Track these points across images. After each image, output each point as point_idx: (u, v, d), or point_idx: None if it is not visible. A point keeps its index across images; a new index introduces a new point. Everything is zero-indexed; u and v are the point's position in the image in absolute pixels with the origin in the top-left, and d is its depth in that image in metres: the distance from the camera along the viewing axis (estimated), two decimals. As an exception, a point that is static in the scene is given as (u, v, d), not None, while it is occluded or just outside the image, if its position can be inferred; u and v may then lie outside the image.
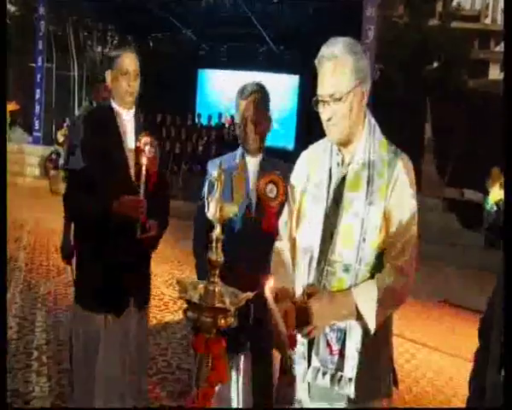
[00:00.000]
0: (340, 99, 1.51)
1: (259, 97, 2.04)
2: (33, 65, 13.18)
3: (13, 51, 12.22)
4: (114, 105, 2.32)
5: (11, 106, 12.35)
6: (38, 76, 13.01)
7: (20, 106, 13.39)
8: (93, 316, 2.24)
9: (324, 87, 1.53)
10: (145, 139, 2.31)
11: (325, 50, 1.53)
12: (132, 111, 2.35)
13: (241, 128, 2.06)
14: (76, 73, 14.15)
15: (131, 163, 2.28)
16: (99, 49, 14.97)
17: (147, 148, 2.28)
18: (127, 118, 2.32)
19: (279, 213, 1.81)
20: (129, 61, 2.29)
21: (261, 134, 2.07)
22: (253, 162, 2.11)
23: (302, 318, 1.45)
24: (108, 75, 2.31)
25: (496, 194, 8.77)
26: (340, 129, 1.54)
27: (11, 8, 14.66)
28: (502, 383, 1.07)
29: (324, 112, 1.54)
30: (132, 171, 2.27)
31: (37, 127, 13.18)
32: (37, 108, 13.08)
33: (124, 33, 14.65)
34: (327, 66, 1.52)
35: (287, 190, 1.76)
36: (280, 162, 2.12)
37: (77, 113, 13.80)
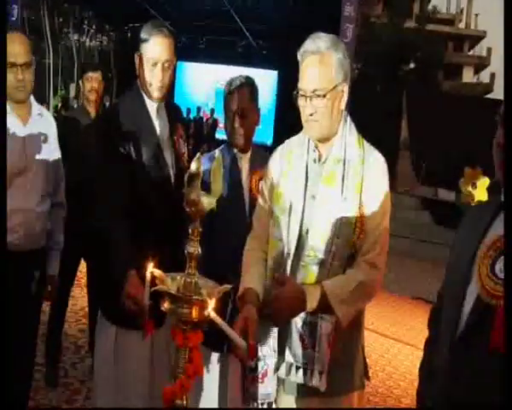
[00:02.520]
0: (323, 96, 1.50)
1: (248, 91, 2.01)
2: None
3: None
4: (143, 94, 1.95)
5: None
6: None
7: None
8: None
9: (307, 82, 1.52)
10: (179, 132, 2.01)
11: (310, 44, 1.52)
12: (162, 104, 2.00)
13: (229, 122, 2.01)
14: (51, 61, 13.82)
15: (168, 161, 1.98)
16: (76, 36, 14.65)
17: (181, 141, 1.99)
18: (155, 109, 1.98)
19: None
20: (159, 50, 1.87)
21: (249, 128, 2.03)
22: (243, 158, 2.05)
23: (272, 306, 1.46)
24: (136, 58, 1.92)
25: (468, 192, 8.99)
26: (321, 126, 1.54)
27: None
28: (453, 371, 1.08)
29: (306, 107, 1.53)
30: (170, 171, 1.98)
31: (9, 115, 12.82)
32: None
33: (101, 21, 14.38)
34: (311, 60, 1.51)
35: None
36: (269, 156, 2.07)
37: (52, 101, 13.49)
